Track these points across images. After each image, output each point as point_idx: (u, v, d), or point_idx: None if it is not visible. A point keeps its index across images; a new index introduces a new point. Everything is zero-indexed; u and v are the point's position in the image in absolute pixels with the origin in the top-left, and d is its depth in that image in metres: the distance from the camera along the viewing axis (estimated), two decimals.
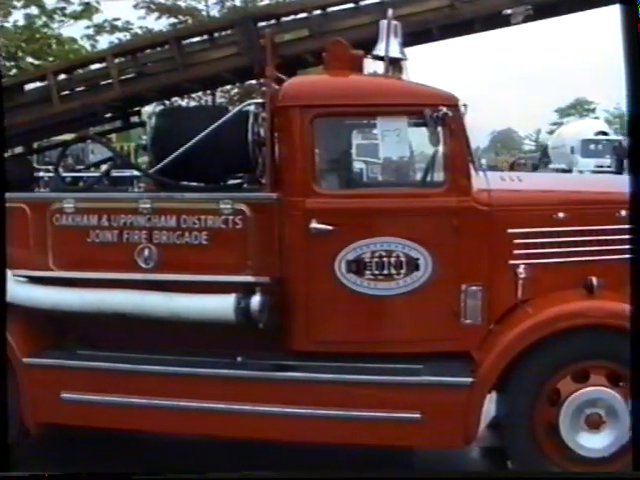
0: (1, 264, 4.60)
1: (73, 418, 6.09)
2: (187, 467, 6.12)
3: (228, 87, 19.51)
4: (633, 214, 4.54)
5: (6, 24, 14.51)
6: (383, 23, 6.01)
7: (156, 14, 25.11)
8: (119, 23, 23.38)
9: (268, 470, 5.72)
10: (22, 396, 6.13)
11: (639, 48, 4.13)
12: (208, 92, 17.18)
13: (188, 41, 7.14)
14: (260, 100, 6.26)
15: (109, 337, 6.26)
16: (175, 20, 23.83)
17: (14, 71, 13.27)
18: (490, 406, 5.81)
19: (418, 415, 5.47)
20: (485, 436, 6.07)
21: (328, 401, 5.61)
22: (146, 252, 5.93)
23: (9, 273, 6.13)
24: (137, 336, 6.17)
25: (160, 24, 23.84)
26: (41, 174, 6.80)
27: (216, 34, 7.09)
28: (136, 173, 6.47)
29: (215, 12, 24.84)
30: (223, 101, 21.65)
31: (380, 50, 6.01)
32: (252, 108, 6.26)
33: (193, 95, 14.17)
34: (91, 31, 20.06)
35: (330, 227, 5.59)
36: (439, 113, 5.55)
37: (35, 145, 8.02)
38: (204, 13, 25.05)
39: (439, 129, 5.60)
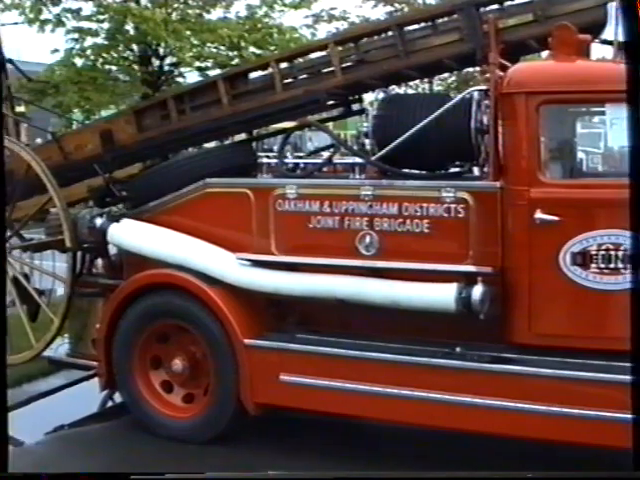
0: (1, 263, 4.61)
1: (290, 400, 6.22)
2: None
3: (445, 75, 19.38)
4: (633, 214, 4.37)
5: (228, 15, 14.90)
6: (612, 6, 5.77)
7: (372, 3, 25.34)
8: (336, 12, 23.76)
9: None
10: (241, 376, 6.31)
11: None
12: (425, 80, 17.07)
13: (410, 28, 7.07)
14: (484, 87, 6.16)
15: (327, 322, 6.34)
16: (391, 8, 23.93)
17: (236, 60, 13.67)
18: None
19: None
20: None
21: (548, 397, 5.46)
22: (367, 239, 5.95)
23: (233, 256, 6.32)
24: (354, 322, 6.23)
25: (376, 12, 24.04)
26: (264, 160, 6.90)
27: (438, 20, 6.99)
28: (357, 160, 6.47)
29: (431, 0, 24.70)
30: (440, 89, 21.55)
31: (609, 34, 5.78)
32: (475, 95, 6.16)
33: (410, 83, 14.11)
34: (310, 21, 20.44)
35: (556, 218, 5.44)
36: None
37: (255, 132, 8.18)
38: (419, 1, 25.00)
39: None
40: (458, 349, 5.76)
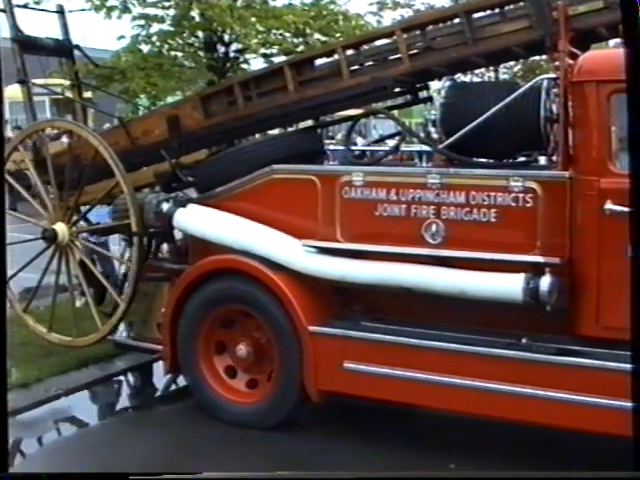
0: (1, 264, 4.58)
1: (354, 388, 6.22)
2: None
3: (511, 63, 19.18)
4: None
5: (293, 2, 14.87)
6: None
7: None
8: (401, 0, 23.60)
9: None
10: (305, 363, 6.33)
11: None
12: (491, 68, 16.91)
13: (477, 15, 7.00)
14: (553, 75, 6.09)
15: (392, 310, 6.33)
16: None
17: (301, 47, 13.63)
18: None
19: None
20: None
21: (614, 390, 5.36)
22: (433, 227, 5.93)
23: (299, 243, 6.33)
24: (419, 310, 6.21)
25: (441, 0, 23.81)
26: (331, 147, 6.91)
27: (507, 7, 6.91)
28: (424, 148, 6.44)
29: None
30: (506, 77, 21.34)
31: None
32: (544, 83, 6.09)
33: (476, 71, 14.00)
34: (374, 8, 20.36)
35: (626, 209, 5.35)
36: None
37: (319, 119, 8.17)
38: None
39: None
40: (524, 340, 5.72)
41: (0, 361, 4.43)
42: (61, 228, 7.80)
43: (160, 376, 7.44)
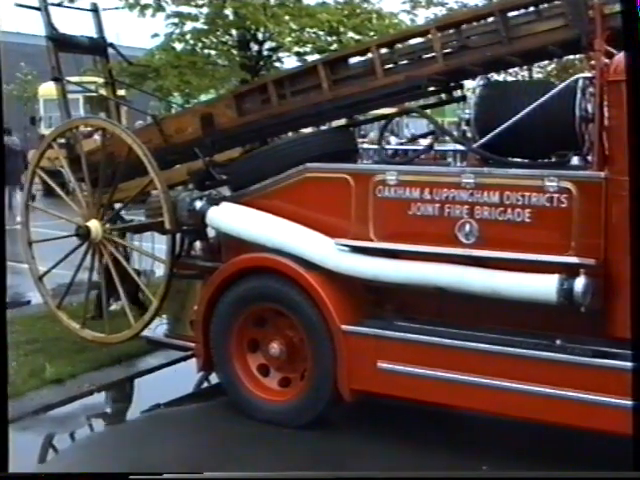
0: (1, 264, 4.57)
1: (388, 388, 6.21)
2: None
3: (545, 62, 18.99)
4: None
5: (327, 0, 14.83)
6: None
7: None
8: None
9: None
10: (338, 362, 6.32)
11: None
12: (524, 67, 16.73)
13: (513, 14, 6.96)
14: (589, 74, 6.04)
15: (425, 310, 6.30)
16: None
17: (335, 46, 13.60)
18: None
19: None
20: None
21: None
22: (467, 227, 5.90)
23: (331, 241, 6.32)
24: (452, 310, 6.19)
25: None
26: (365, 146, 6.89)
27: (542, 6, 6.86)
28: (458, 147, 6.41)
29: None
30: (540, 76, 21.14)
31: None
32: (580, 83, 6.05)
33: (510, 70, 13.89)
34: (408, 6, 20.22)
35: None
36: None
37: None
38: None
39: None
40: (558, 341, 5.68)
41: (1, 362, 4.47)
42: (94, 225, 7.86)
43: (193, 373, 7.44)
